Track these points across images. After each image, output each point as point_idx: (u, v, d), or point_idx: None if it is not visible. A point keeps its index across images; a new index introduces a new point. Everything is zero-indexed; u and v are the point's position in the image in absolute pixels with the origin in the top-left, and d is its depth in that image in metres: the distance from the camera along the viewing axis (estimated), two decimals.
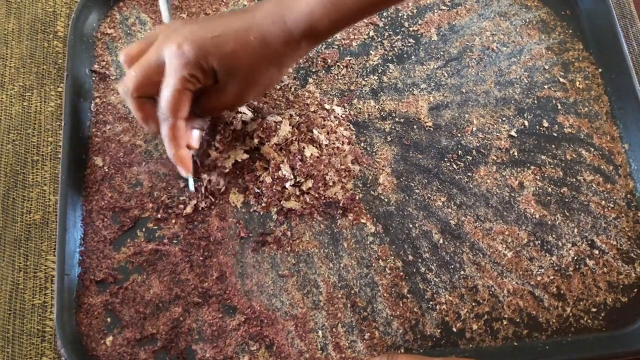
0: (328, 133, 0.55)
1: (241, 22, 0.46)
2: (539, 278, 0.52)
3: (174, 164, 0.49)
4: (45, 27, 0.60)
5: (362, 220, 0.53)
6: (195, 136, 0.51)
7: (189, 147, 0.49)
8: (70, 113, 0.53)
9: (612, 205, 0.55)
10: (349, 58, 0.60)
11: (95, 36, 0.59)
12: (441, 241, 0.53)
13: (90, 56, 0.58)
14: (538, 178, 0.56)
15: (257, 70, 0.47)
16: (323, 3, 0.45)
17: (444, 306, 0.51)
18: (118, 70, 0.57)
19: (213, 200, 0.52)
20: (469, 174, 0.55)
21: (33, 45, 0.59)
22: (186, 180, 0.52)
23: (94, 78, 0.57)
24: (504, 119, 0.58)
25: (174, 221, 0.52)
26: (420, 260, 0.52)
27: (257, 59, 0.47)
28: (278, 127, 0.53)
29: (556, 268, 0.52)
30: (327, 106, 0.56)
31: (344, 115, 0.57)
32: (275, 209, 0.53)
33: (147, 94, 0.47)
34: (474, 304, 0.51)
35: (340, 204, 0.53)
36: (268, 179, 0.52)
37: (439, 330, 0.50)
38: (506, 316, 0.51)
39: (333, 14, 0.45)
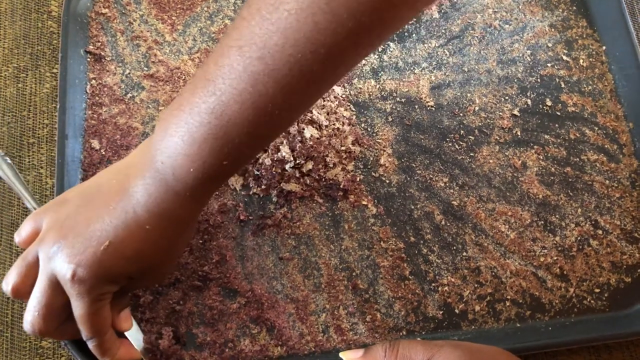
0: (328, 114, 0.54)
1: (125, 213, 0.39)
2: (542, 259, 0.51)
3: None
4: (39, 7, 0.58)
5: (363, 202, 0.52)
6: (125, 316, 0.44)
7: (123, 330, 0.44)
8: (65, 95, 0.52)
9: (616, 185, 0.54)
10: None
11: (89, 16, 0.57)
12: (443, 222, 0.52)
13: (85, 37, 0.57)
14: (541, 158, 0.55)
15: (169, 251, 0.42)
16: (204, 151, 0.37)
17: (446, 288, 0.50)
18: (114, 51, 0.56)
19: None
20: (472, 154, 0.55)
21: (27, 26, 0.58)
22: None
23: (89, 59, 0.56)
24: (506, 98, 0.57)
25: None
26: (422, 241, 0.51)
27: (164, 242, 0.40)
28: None
29: (559, 249, 0.52)
30: None
31: (344, 96, 0.56)
32: (275, 192, 0.52)
33: (61, 320, 0.41)
34: (476, 285, 0.50)
35: (341, 186, 0.52)
36: (267, 161, 0.51)
37: (441, 312, 0.49)
38: (509, 297, 0.50)
39: (222, 157, 0.37)
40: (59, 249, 0.39)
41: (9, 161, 0.49)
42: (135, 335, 0.45)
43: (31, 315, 0.40)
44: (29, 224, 0.42)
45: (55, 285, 0.39)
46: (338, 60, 0.36)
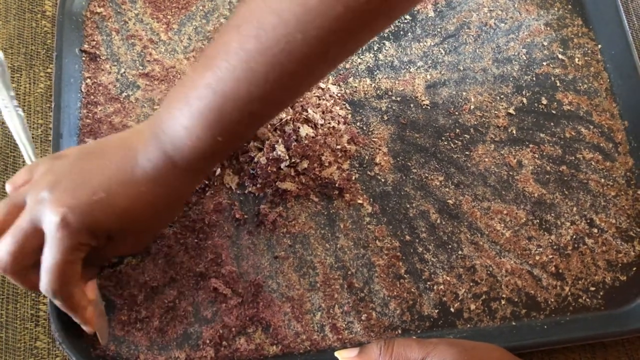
0: (323, 112, 0.54)
1: (124, 172, 0.40)
2: (537, 257, 0.51)
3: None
4: (33, 7, 0.58)
5: (359, 201, 0.52)
6: (91, 288, 0.44)
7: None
8: (60, 94, 0.52)
9: (612, 184, 0.55)
10: None
11: (84, 15, 0.57)
12: (439, 221, 0.52)
13: (80, 36, 0.56)
14: (537, 156, 0.55)
15: (157, 219, 0.43)
16: (199, 125, 0.39)
17: (442, 286, 0.50)
18: (109, 50, 0.56)
19: (207, 182, 0.52)
20: (467, 152, 0.55)
21: (21, 25, 0.57)
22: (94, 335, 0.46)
23: (84, 58, 0.56)
24: (502, 96, 0.57)
25: None
26: (417, 240, 0.51)
27: (153, 209, 0.41)
28: None
29: (555, 247, 0.52)
30: (322, 85, 0.55)
31: (339, 94, 0.56)
32: (271, 190, 0.52)
33: (27, 265, 0.40)
34: (472, 284, 0.50)
35: (337, 185, 0.52)
36: (263, 160, 0.51)
37: (436, 311, 0.49)
38: (504, 296, 0.50)
39: (216, 132, 0.39)
40: (50, 193, 0.39)
41: (21, 113, 0.49)
42: (98, 307, 0.45)
43: (2, 250, 0.39)
44: (24, 172, 0.43)
45: (35, 227, 0.39)
46: (328, 44, 0.37)
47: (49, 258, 0.39)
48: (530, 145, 0.55)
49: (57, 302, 0.41)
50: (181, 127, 0.39)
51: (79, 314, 0.42)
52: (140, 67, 0.56)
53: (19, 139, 0.48)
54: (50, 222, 0.39)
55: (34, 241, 0.39)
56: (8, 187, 0.43)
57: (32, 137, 0.54)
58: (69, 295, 0.41)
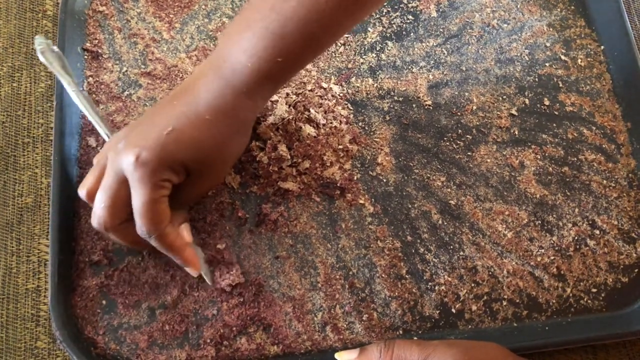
0: (325, 112, 0.54)
1: (187, 105, 0.42)
2: (539, 258, 0.51)
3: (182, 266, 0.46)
4: (34, 6, 0.58)
5: (360, 201, 0.52)
6: (186, 232, 0.46)
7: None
8: (62, 93, 0.52)
9: (614, 185, 0.54)
10: (347, 35, 0.58)
11: (87, 14, 0.57)
12: (440, 221, 0.52)
13: (82, 34, 0.56)
14: (539, 157, 0.55)
15: (225, 147, 0.44)
16: (261, 46, 0.41)
17: (443, 287, 0.50)
18: (111, 49, 0.56)
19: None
20: (469, 153, 0.55)
21: (21, 25, 0.57)
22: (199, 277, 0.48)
23: (86, 57, 0.56)
24: (504, 97, 0.57)
25: None
26: (419, 240, 0.51)
27: (221, 136, 0.43)
28: (274, 106, 0.52)
29: (556, 248, 0.52)
30: (324, 85, 0.55)
31: (341, 94, 0.56)
32: (272, 190, 0.52)
33: (124, 218, 0.42)
34: (473, 284, 0.50)
35: (338, 185, 0.52)
36: (265, 159, 0.51)
37: (437, 312, 0.49)
38: (506, 297, 0.50)
39: (276, 52, 0.41)
40: (125, 142, 0.41)
41: (87, 94, 0.50)
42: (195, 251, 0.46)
43: (98, 208, 0.42)
44: (107, 143, 0.45)
45: (120, 179, 0.41)
46: None
47: (135, 200, 0.41)
48: (533, 146, 0.55)
49: (155, 244, 0.43)
50: (241, 51, 0.41)
51: (179, 254, 0.44)
52: (142, 66, 0.56)
53: (92, 118, 0.49)
54: (129, 164, 0.40)
55: (122, 192, 0.41)
56: (82, 194, 0.44)
57: (33, 137, 0.54)
58: (163, 235, 0.42)
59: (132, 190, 0.41)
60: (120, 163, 0.41)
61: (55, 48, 0.51)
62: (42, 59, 0.50)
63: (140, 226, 0.41)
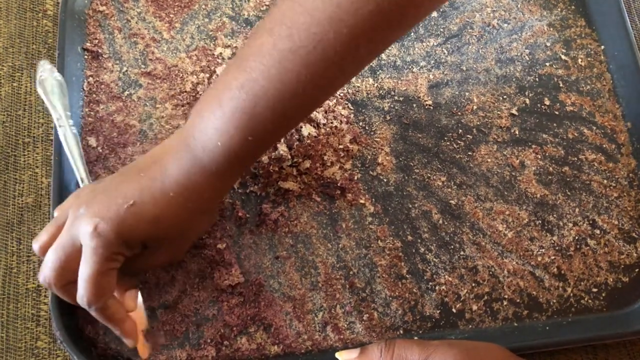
0: (326, 112, 0.54)
1: (153, 180, 0.41)
2: (539, 258, 0.51)
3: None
4: (34, 6, 0.58)
5: (361, 201, 0.52)
6: (131, 300, 0.45)
7: (128, 310, 0.44)
8: None
9: (614, 185, 0.54)
10: None
11: (87, 13, 0.57)
12: (441, 221, 0.52)
13: (82, 34, 0.56)
14: (539, 157, 0.55)
15: (187, 226, 0.43)
16: (231, 125, 0.39)
17: (444, 287, 0.50)
18: (111, 49, 0.56)
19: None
20: (470, 153, 0.55)
21: (22, 25, 0.57)
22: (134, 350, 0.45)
23: (86, 56, 0.56)
24: (504, 97, 0.57)
25: None
26: (419, 240, 0.51)
27: (183, 215, 0.42)
28: None
29: (557, 248, 0.52)
30: None
31: (342, 94, 0.56)
32: (273, 190, 0.52)
33: (70, 280, 0.41)
34: (473, 284, 0.50)
35: (339, 184, 0.52)
36: (265, 159, 0.51)
37: (438, 311, 0.49)
38: (506, 297, 0.50)
39: (247, 132, 0.40)
40: (86, 208, 0.41)
41: (76, 133, 0.49)
42: (140, 319, 0.45)
43: (46, 267, 0.41)
44: (71, 197, 0.44)
45: (74, 243, 0.41)
46: (358, 42, 0.38)
47: (83, 269, 0.40)
48: (533, 146, 0.55)
49: (94, 314, 0.42)
50: (213, 129, 0.40)
51: (118, 326, 0.43)
52: (143, 66, 0.56)
53: (72, 159, 0.48)
54: (85, 233, 0.40)
55: (73, 256, 0.40)
56: (35, 247, 0.43)
57: (33, 137, 0.54)
58: (104, 307, 0.41)
59: (83, 258, 0.40)
60: (77, 229, 0.40)
61: (59, 76, 0.50)
62: (37, 88, 0.49)
63: (82, 296, 0.40)
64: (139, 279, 0.47)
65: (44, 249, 0.42)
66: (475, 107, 0.56)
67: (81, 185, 0.48)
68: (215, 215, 0.47)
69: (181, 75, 0.56)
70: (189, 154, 0.41)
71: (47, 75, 0.50)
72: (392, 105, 0.56)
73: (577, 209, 0.53)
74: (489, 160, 0.55)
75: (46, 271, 0.41)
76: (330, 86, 0.42)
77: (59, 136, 0.49)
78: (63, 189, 0.50)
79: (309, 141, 0.52)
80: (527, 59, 0.59)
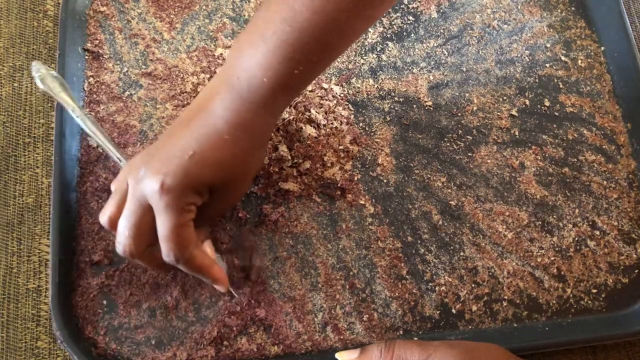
0: (326, 113, 0.54)
1: (206, 126, 0.42)
2: (539, 259, 0.51)
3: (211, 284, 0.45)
4: (35, 6, 0.58)
5: (361, 201, 0.52)
6: (209, 249, 0.46)
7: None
8: None
9: (614, 186, 0.54)
10: None
11: (87, 14, 0.57)
12: (441, 222, 0.52)
13: (83, 34, 0.56)
14: (539, 158, 0.55)
15: (247, 164, 0.44)
16: (277, 59, 0.40)
17: (444, 287, 0.50)
18: (111, 49, 0.56)
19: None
20: (469, 154, 0.55)
21: (22, 25, 0.57)
22: (229, 294, 0.48)
23: (86, 57, 0.56)
24: (504, 98, 0.57)
25: None
26: (419, 241, 0.51)
27: (242, 154, 0.42)
28: None
29: (557, 249, 0.52)
30: (325, 85, 0.55)
31: (342, 95, 0.56)
32: (273, 191, 0.52)
33: (149, 244, 0.42)
34: (473, 285, 0.50)
35: (339, 185, 0.52)
36: (265, 160, 0.51)
37: (438, 312, 0.49)
38: (506, 297, 0.50)
39: (293, 64, 0.41)
40: (146, 168, 0.41)
41: (93, 119, 0.49)
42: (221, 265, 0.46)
43: (122, 236, 0.41)
44: (124, 169, 0.44)
45: (143, 205, 0.41)
46: None
47: (162, 227, 0.40)
48: (533, 147, 0.55)
49: (184, 268, 0.42)
50: (257, 65, 0.41)
51: (208, 274, 0.43)
52: (143, 66, 0.56)
53: (102, 143, 0.48)
54: (153, 192, 0.40)
55: (146, 218, 0.41)
56: (103, 222, 0.43)
57: (34, 137, 0.54)
58: (191, 258, 0.42)
59: (158, 217, 0.40)
60: (143, 190, 0.40)
61: (54, 73, 0.50)
62: (41, 86, 0.49)
63: (168, 253, 0.41)
64: (208, 229, 0.47)
65: (114, 221, 0.42)
66: (475, 108, 0.56)
67: (120, 164, 0.48)
68: (266, 148, 0.47)
69: (182, 75, 0.56)
70: (235, 94, 0.42)
71: (45, 73, 0.49)
72: (392, 106, 0.56)
73: (576, 210, 0.53)
74: (488, 161, 0.55)
75: (124, 240, 0.41)
76: (370, 16, 0.43)
77: (81, 128, 0.49)
78: (63, 189, 0.50)
79: (309, 142, 0.52)
80: (527, 60, 0.59)
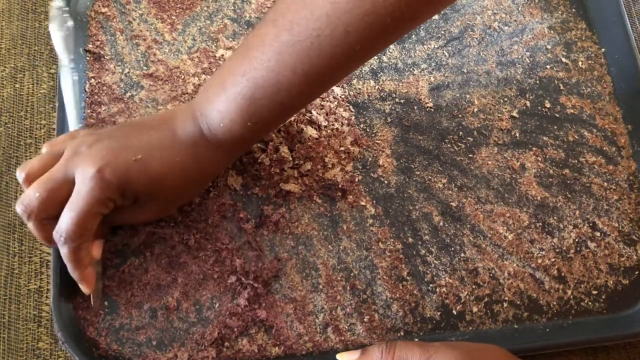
0: (327, 114, 0.54)
1: (161, 139, 0.43)
2: (539, 260, 0.52)
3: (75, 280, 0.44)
4: (36, 7, 0.58)
5: (362, 203, 0.52)
6: (97, 248, 0.45)
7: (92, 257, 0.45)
8: (64, 95, 0.52)
9: (614, 187, 0.55)
10: None
11: (89, 15, 0.57)
12: (441, 223, 0.52)
13: (84, 35, 0.56)
14: (540, 159, 0.55)
15: (183, 191, 0.45)
16: (232, 109, 0.42)
17: (444, 289, 0.50)
18: (113, 50, 0.56)
19: (211, 183, 0.52)
20: (470, 155, 0.55)
21: (24, 26, 0.57)
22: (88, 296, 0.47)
23: (88, 58, 0.56)
24: (505, 99, 0.57)
25: None
26: (420, 242, 0.51)
27: (183, 178, 0.43)
28: None
29: (557, 250, 0.52)
30: None
31: (343, 96, 0.56)
32: (274, 192, 0.52)
33: (51, 215, 0.41)
34: (474, 286, 0.50)
35: (340, 186, 0.52)
36: (266, 161, 0.51)
37: (438, 313, 0.49)
38: (506, 299, 0.50)
39: (246, 117, 0.42)
40: (89, 148, 0.41)
41: (76, 77, 0.50)
42: (96, 269, 0.46)
43: (31, 196, 0.41)
44: (65, 135, 0.45)
45: (68, 178, 0.41)
46: (354, 41, 0.39)
47: (73, 206, 0.40)
48: (534, 149, 0.55)
49: (64, 251, 0.42)
50: (216, 111, 0.42)
51: (79, 271, 0.43)
52: (145, 68, 0.56)
53: (68, 101, 0.48)
54: (86, 172, 0.40)
55: (62, 190, 0.41)
56: (20, 175, 0.43)
57: (35, 138, 0.54)
58: (77, 247, 0.42)
59: (76, 195, 0.40)
60: (76, 165, 0.41)
61: (70, 22, 0.50)
62: (50, 25, 0.49)
63: (62, 232, 0.41)
64: (109, 230, 0.47)
65: (31, 178, 0.42)
66: (476, 110, 0.57)
67: (71, 129, 0.48)
68: (207, 185, 0.49)
69: (183, 76, 0.56)
70: (196, 127, 0.44)
71: (59, 16, 0.50)
72: (393, 108, 0.56)
73: (577, 212, 0.53)
74: (489, 162, 0.55)
75: (30, 201, 0.41)
76: (326, 81, 0.43)
77: (61, 78, 0.49)
78: None
79: (310, 143, 0.52)
80: (528, 61, 0.59)
